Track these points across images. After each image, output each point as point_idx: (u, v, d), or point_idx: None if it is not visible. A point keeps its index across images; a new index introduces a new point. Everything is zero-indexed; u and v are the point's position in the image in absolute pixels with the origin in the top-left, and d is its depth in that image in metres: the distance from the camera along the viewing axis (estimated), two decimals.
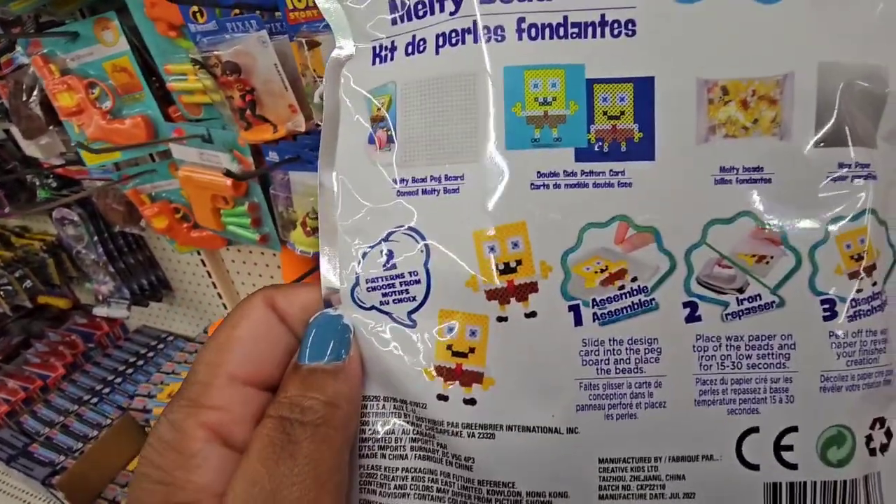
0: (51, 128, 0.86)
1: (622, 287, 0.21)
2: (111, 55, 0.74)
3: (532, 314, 0.21)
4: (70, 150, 0.94)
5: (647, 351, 0.20)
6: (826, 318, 0.20)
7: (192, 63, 0.52)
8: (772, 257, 0.20)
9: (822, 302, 0.20)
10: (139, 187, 0.88)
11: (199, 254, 1.16)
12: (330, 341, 0.21)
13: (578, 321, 0.21)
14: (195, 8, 0.50)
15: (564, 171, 0.20)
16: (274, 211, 0.70)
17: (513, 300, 0.21)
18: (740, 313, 0.20)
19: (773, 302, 0.20)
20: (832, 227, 0.20)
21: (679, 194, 0.20)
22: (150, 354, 1.34)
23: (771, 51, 0.20)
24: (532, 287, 0.21)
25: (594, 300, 0.21)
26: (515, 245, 0.21)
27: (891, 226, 0.21)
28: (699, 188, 0.20)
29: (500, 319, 0.21)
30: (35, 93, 0.83)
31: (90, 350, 1.40)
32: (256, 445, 0.19)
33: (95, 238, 1.10)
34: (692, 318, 0.20)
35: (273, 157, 0.61)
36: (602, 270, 0.21)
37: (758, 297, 0.20)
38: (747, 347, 0.20)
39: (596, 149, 0.20)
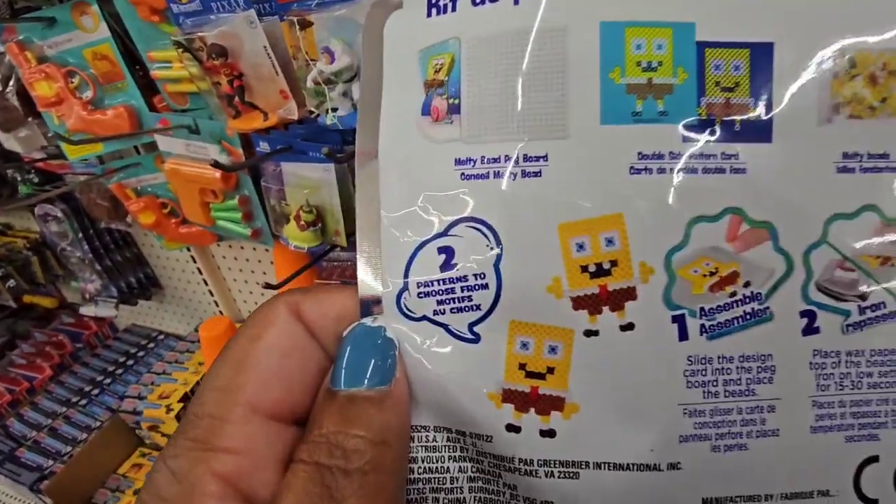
0: (29, 119, 0.82)
1: (734, 294, 0.17)
2: (91, 42, 0.70)
3: (628, 326, 0.17)
4: (51, 143, 0.90)
5: (759, 370, 0.17)
6: None
7: (176, 46, 0.49)
8: None
9: None
10: (124, 181, 0.85)
11: (188, 250, 1.12)
12: (370, 360, 0.17)
13: (683, 335, 0.17)
14: None
15: (670, 153, 0.17)
16: (266, 204, 0.67)
17: (605, 309, 0.17)
18: (863, 324, 0.18)
19: None
20: None
21: (798, 183, 0.17)
22: (141, 354, 1.30)
23: None
24: (630, 293, 0.17)
25: (702, 309, 0.17)
26: (610, 242, 0.17)
27: None
28: (820, 177, 0.17)
29: (589, 333, 0.18)
30: (11, 82, 0.79)
31: (78, 350, 1.36)
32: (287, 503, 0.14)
33: (80, 235, 1.06)
34: (810, 329, 0.17)
35: (264, 147, 0.58)
36: (711, 273, 0.17)
37: (882, 306, 0.18)
38: (869, 363, 0.18)
39: (707, 126, 0.17)
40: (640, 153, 0.17)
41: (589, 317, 0.18)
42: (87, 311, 1.16)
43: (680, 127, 0.17)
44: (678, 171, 0.17)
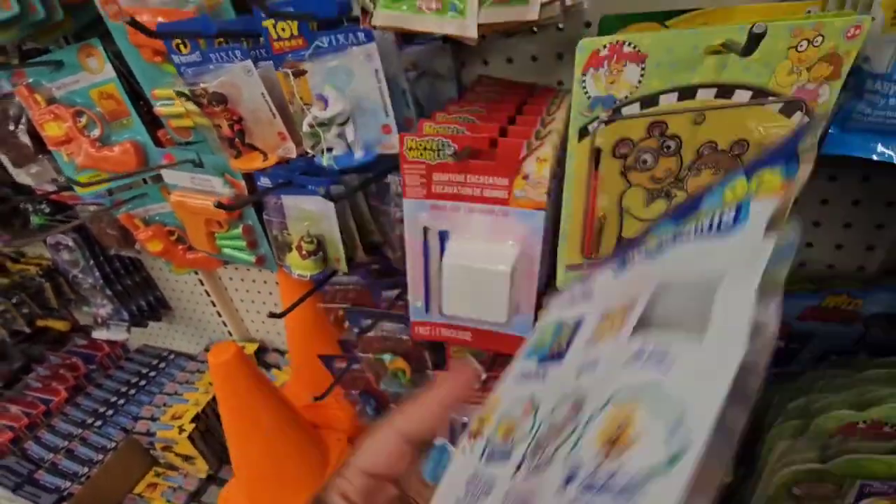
0: (40, 156, 0.85)
1: None
2: (97, 82, 0.73)
3: None
4: (61, 176, 0.94)
5: None
6: None
7: (178, 95, 0.51)
8: None
9: None
10: (132, 212, 0.88)
11: (196, 273, 1.15)
12: None
13: None
14: (178, 39, 0.49)
15: None
16: (268, 234, 0.69)
17: None
18: None
19: None
20: None
21: None
22: (152, 374, 1.33)
23: None
24: None
25: None
26: None
27: None
28: None
29: None
30: (22, 121, 0.82)
31: (92, 372, 1.39)
32: None
33: (91, 262, 1.09)
34: None
35: (265, 182, 0.60)
36: None
37: None
38: None
39: None
40: None
41: None
42: (100, 335, 1.19)
43: None
44: None
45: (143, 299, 1.21)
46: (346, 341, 0.80)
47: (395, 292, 0.67)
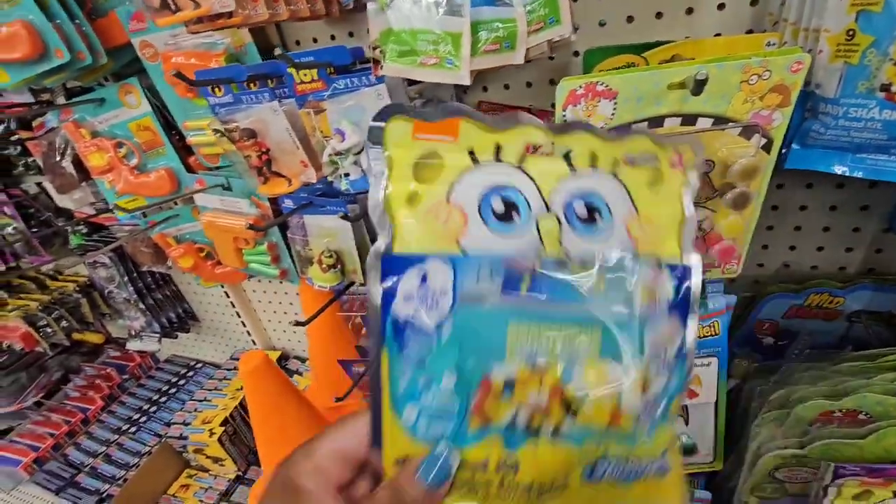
0: (83, 184, 0.93)
1: None
2: (135, 116, 0.80)
3: None
4: (99, 200, 1.02)
5: None
6: None
7: (214, 132, 0.58)
8: None
9: None
10: (165, 231, 0.95)
11: (222, 286, 1.22)
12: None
13: None
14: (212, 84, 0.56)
15: None
16: (292, 250, 0.75)
17: None
18: None
19: None
20: None
21: None
22: (182, 382, 1.41)
23: None
24: None
25: None
26: None
27: None
28: None
29: None
30: (67, 152, 0.91)
31: (125, 381, 1.47)
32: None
33: (126, 278, 1.17)
34: None
35: (288, 203, 0.67)
36: None
37: None
38: None
39: None
40: None
41: None
42: (133, 346, 1.27)
43: None
44: None
45: (172, 312, 1.29)
46: (363, 347, 0.87)
47: None
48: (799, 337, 0.71)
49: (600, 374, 0.28)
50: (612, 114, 0.41)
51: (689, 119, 0.42)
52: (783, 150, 0.48)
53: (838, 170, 0.46)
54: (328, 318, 0.86)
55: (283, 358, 1.30)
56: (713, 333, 0.52)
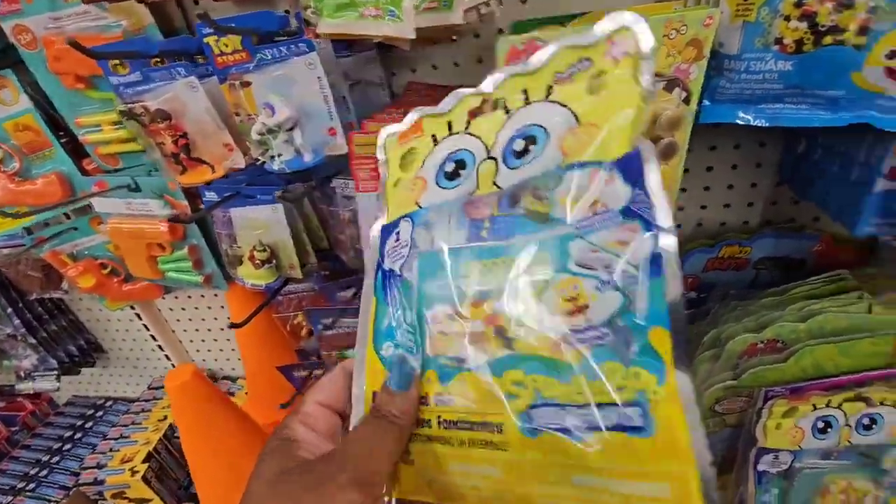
0: None
1: None
2: (12, 114, 0.70)
3: None
4: None
5: None
6: None
7: (120, 114, 0.52)
8: None
9: None
10: (58, 248, 0.83)
11: (132, 307, 1.10)
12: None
13: None
14: (115, 60, 0.50)
15: None
16: (219, 249, 0.69)
17: None
18: None
19: None
20: None
21: None
22: (89, 425, 1.24)
23: None
24: None
25: None
26: None
27: None
28: None
29: None
30: None
31: (14, 434, 1.27)
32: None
33: (9, 310, 1.01)
34: None
35: (211, 196, 0.61)
36: None
37: None
38: None
39: None
40: None
41: None
42: (25, 387, 1.10)
43: None
44: None
45: (72, 344, 1.13)
46: (304, 350, 0.82)
47: (351, 291, 0.70)
48: (716, 287, 0.78)
49: (532, 297, 0.27)
50: None
51: None
52: (697, 108, 0.53)
53: (743, 119, 0.51)
54: (263, 322, 0.80)
55: (211, 380, 1.20)
56: None
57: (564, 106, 0.29)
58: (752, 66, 0.47)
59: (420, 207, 0.33)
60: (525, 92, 0.31)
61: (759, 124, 0.50)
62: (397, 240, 0.34)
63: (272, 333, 0.83)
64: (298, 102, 0.49)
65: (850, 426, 0.54)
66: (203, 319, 1.11)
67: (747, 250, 0.75)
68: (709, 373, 0.60)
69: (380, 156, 0.37)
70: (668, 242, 0.24)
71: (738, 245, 0.74)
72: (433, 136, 0.35)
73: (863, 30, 0.42)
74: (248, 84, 0.47)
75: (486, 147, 0.32)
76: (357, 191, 0.48)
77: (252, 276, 0.67)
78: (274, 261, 0.65)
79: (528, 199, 0.29)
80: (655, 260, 0.24)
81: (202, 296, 1.07)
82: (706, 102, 0.52)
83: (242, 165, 0.56)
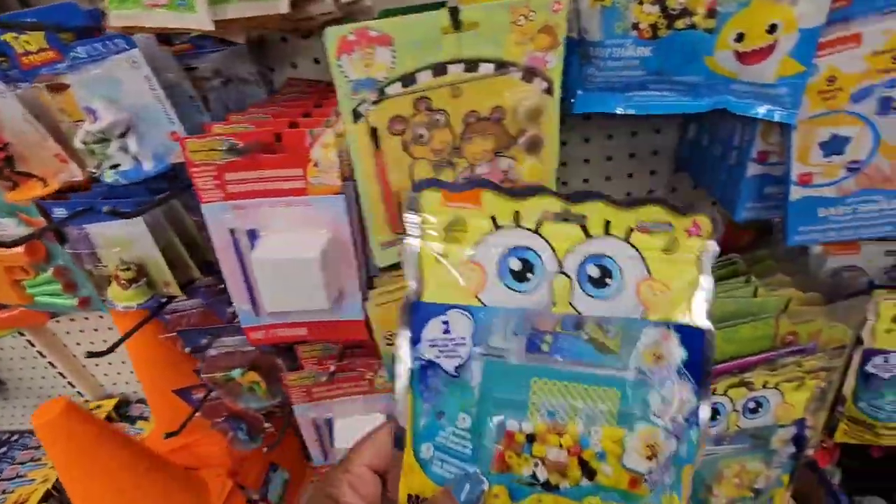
0: None
1: None
2: None
3: None
4: None
5: None
6: None
7: None
8: None
9: None
10: None
11: (21, 334, 1.00)
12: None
13: None
14: None
15: None
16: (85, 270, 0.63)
17: None
18: None
19: None
20: None
21: None
22: None
23: None
24: None
25: None
26: None
27: None
28: None
29: None
30: None
31: None
32: None
33: None
34: None
35: (60, 212, 0.55)
36: None
37: None
38: None
39: None
40: None
41: None
42: None
43: None
44: None
45: None
46: (200, 370, 0.76)
47: None
48: None
49: (614, 436, 0.31)
50: (393, 61, 0.39)
51: (471, 65, 0.41)
52: (572, 99, 0.51)
53: (614, 108, 0.49)
54: (152, 345, 0.74)
55: (123, 404, 1.11)
56: None
57: (639, 252, 0.33)
58: (615, 52, 0.46)
59: (482, 304, 0.33)
60: (607, 223, 0.33)
61: (630, 113, 0.49)
62: (447, 331, 0.33)
63: (166, 355, 0.77)
64: (129, 105, 0.43)
65: (737, 411, 0.54)
66: (105, 341, 1.02)
67: None
68: None
69: (410, 215, 0.33)
70: (706, 412, 0.31)
71: None
72: (493, 217, 0.34)
73: (711, 12, 0.41)
74: (65, 86, 0.42)
75: (558, 258, 0.33)
76: (201, 201, 0.44)
77: (121, 298, 0.61)
78: (144, 279, 0.60)
79: (593, 327, 0.32)
80: (695, 412, 0.31)
81: (101, 316, 0.99)
82: (580, 92, 0.51)
83: (80, 178, 0.50)
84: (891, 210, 0.45)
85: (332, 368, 0.56)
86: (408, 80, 0.40)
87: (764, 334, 0.55)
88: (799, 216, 0.49)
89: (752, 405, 0.55)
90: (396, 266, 0.52)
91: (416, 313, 0.33)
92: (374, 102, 0.40)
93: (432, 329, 0.33)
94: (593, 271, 0.33)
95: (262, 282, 0.45)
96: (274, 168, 0.43)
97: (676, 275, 0.32)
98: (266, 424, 0.79)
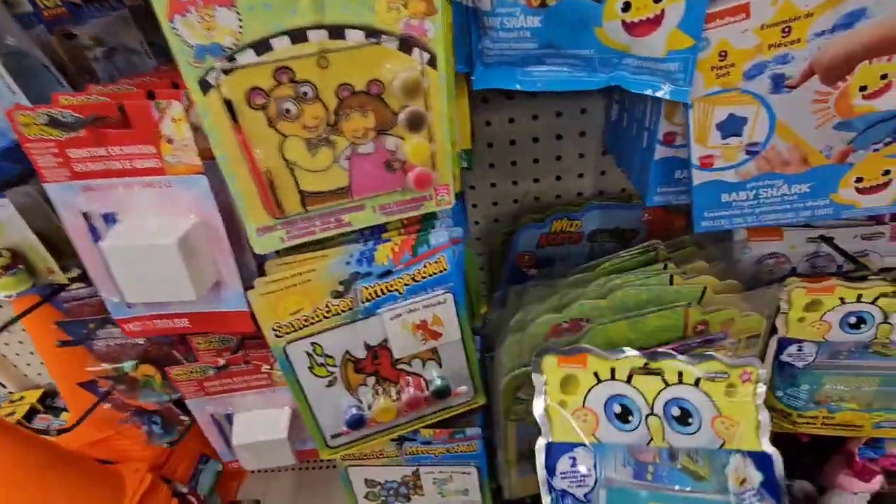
0: None
1: None
2: None
3: None
4: None
5: None
6: None
7: None
8: None
9: None
10: None
11: None
12: None
13: None
14: None
15: None
16: None
17: None
18: None
19: None
20: None
21: None
22: None
23: None
24: None
25: None
26: None
27: None
28: None
29: None
30: None
31: None
32: None
33: None
34: None
35: None
36: None
37: None
38: None
39: None
40: None
41: None
42: None
43: None
44: None
45: None
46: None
47: None
48: (555, 264, 0.75)
49: None
50: (240, 27, 0.35)
51: (336, 31, 0.37)
52: (473, 75, 0.47)
53: (513, 84, 0.46)
54: (50, 335, 0.69)
55: (50, 395, 1.07)
56: (441, 269, 0.51)
57: (708, 396, 0.45)
58: (506, 22, 0.42)
59: (599, 441, 0.45)
60: (680, 374, 0.45)
61: (530, 90, 0.46)
62: (573, 465, 0.43)
63: (66, 347, 0.73)
64: None
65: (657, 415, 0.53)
66: (23, 330, 0.97)
67: (578, 224, 0.72)
68: (515, 357, 0.56)
69: (538, 378, 0.46)
70: None
71: (568, 219, 0.72)
72: (595, 373, 0.46)
73: None
74: None
75: (647, 402, 0.45)
76: (43, 181, 0.39)
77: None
78: (21, 265, 0.55)
79: (685, 458, 0.44)
80: None
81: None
82: (479, 67, 0.47)
83: None
84: (792, 196, 0.43)
85: (222, 362, 0.53)
86: (261, 47, 0.36)
87: (673, 324, 0.53)
88: (704, 201, 0.46)
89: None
90: (293, 250, 0.49)
91: (550, 452, 0.44)
92: (225, 72, 0.36)
93: (563, 465, 0.43)
94: (676, 412, 0.44)
95: (117, 271, 0.41)
96: (122, 145, 0.39)
97: (739, 411, 0.43)
98: (183, 417, 0.75)
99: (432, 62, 0.41)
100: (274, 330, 0.49)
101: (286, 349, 0.50)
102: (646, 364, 0.45)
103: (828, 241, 0.61)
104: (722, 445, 0.43)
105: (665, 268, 0.58)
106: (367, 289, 0.50)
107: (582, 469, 0.43)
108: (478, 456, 0.63)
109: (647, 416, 0.45)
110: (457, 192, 0.48)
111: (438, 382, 0.55)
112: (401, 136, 0.43)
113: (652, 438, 0.44)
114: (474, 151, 0.71)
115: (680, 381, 0.45)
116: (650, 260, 0.61)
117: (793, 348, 0.58)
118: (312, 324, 0.50)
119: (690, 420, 0.44)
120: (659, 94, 0.39)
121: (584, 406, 0.45)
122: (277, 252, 0.49)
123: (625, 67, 0.41)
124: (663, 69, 0.39)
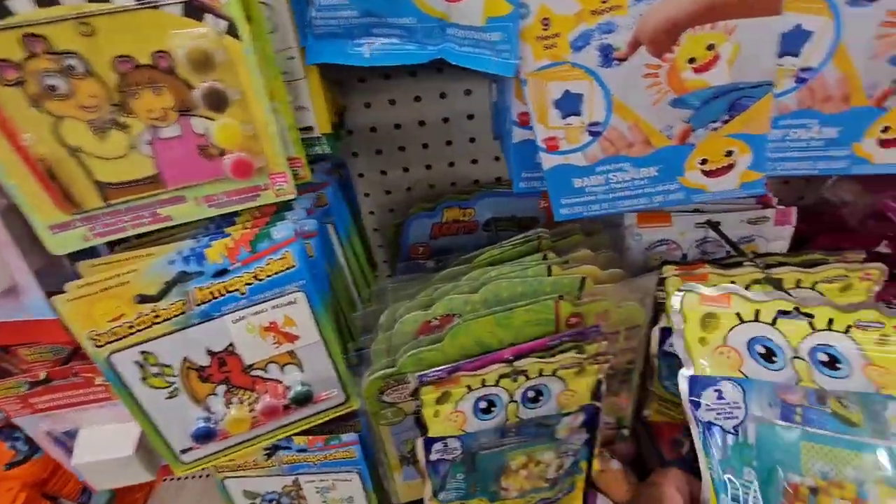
0: None
1: None
2: None
3: None
4: None
5: None
6: None
7: None
8: None
9: None
10: None
11: None
12: None
13: None
14: None
15: None
16: None
17: None
18: None
19: None
20: None
21: None
22: None
23: None
24: None
25: None
26: None
27: None
28: None
29: None
30: None
31: None
32: None
33: None
34: None
35: None
36: None
37: None
38: None
39: None
40: None
41: None
42: None
43: None
44: None
45: None
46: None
47: None
48: (452, 255, 0.71)
49: (890, 494, 0.37)
50: None
51: None
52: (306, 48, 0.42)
53: (345, 58, 0.41)
54: None
55: None
56: (288, 266, 0.46)
57: (858, 345, 0.42)
58: None
59: (745, 376, 0.43)
60: (831, 321, 0.43)
61: (358, 64, 0.41)
62: (720, 398, 0.42)
63: None
64: None
65: (515, 402, 0.50)
66: None
67: (470, 212, 0.69)
68: (383, 356, 0.52)
69: (675, 304, 0.46)
70: None
71: (459, 207, 0.68)
72: (738, 314, 0.45)
73: None
74: None
75: (792, 346, 0.43)
76: None
77: None
78: None
79: (835, 403, 0.40)
80: None
81: None
82: (311, 40, 0.42)
83: None
84: (641, 180, 0.40)
85: (42, 375, 0.47)
86: None
87: (543, 318, 0.50)
88: (557, 187, 0.43)
89: (531, 394, 0.50)
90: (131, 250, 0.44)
91: (694, 385, 0.44)
92: None
93: (709, 397, 0.43)
94: (822, 357, 0.42)
95: None
96: None
97: (890, 362, 0.41)
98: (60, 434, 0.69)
99: (232, 31, 0.36)
100: (92, 339, 0.44)
101: (110, 359, 0.45)
102: (795, 307, 0.43)
103: (713, 226, 0.59)
104: (878, 391, 0.40)
105: (545, 258, 0.55)
106: (201, 290, 0.45)
107: (729, 400, 0.42)
108: (357, 462, 0.59)
109: (792, 359, 0.43)
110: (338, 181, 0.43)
111: (298, 388, 0.51)
112: (209, 118, 0.38)
113: (801, 379, 0.42)
114: (357, 136, 0.66)
115: (829, 328, 0.42)
116: (532, 250, 0.58)
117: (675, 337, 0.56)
118: (139, 331, 0.45)
119: (839, 366, 0.42)
120: (481, 68, 0.35)
121: (724, 344, 0.44)
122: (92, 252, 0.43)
123: (451, 38, 0.37)
124: (486, 39, 0.35)
